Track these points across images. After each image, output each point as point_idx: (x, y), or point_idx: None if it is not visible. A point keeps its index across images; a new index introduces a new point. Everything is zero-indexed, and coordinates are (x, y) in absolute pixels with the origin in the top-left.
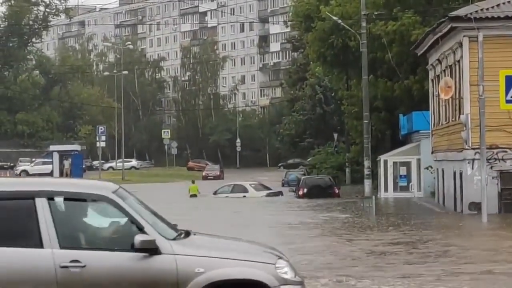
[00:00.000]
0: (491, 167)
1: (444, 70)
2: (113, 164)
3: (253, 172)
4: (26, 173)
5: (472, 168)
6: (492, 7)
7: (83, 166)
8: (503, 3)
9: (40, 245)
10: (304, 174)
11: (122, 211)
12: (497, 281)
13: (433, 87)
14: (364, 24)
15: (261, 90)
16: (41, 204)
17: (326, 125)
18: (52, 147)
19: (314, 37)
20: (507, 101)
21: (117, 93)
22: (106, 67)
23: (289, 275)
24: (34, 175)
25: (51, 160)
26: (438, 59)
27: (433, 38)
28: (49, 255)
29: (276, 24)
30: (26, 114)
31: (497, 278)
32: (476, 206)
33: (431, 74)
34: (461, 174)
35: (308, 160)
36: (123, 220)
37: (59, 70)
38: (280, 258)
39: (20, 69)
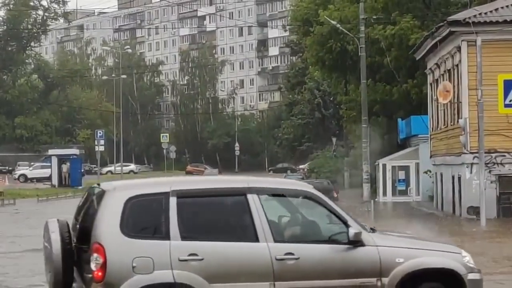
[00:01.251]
0: (490, 171)
1: (443, 74)
2: (111, 168)
3: (252, 176)
4: (24, 177)
5: (471, 172)
6: (491, 11)
7: (82, 170)
8: (502, 8)
9: (255, 239)
10: (302, 178)
11: (326, 206)
12: None
13: (431, 91)
14: (362, 28)
15: (259, 94)
16: (253, 200)
17: (324, 129)
18: (50, 151)
19: (312, 41)
20: (506, 105)
21: (115, 97)
22: (104, 71)
23: (471, 263)
24: (32, 179)
25: (49, 164)
26: (436, 63)
27: (432, 43)
28: (265, 249)
29: (274, 28)
30: (25, 118)
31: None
32: (474, 210)
33: (429, 78)
34: (459, 178)
35: (308, 163)
36: (325, 214)
37: (57, 74)
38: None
39: (19, 73)
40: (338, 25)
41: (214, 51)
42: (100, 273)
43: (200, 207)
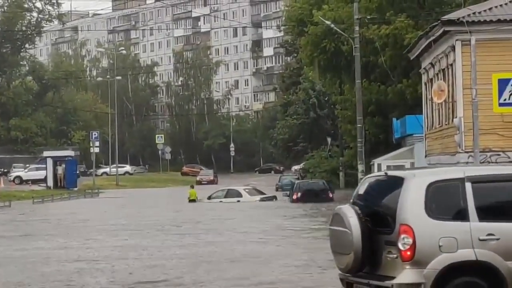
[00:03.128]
0: None
1: (437, 74)
2: (107, 169)
3: (247, 176)
4: (19, 179)
5: None
6: (485, 10)
7: (77, 172)
8: (495, 7)
9: None
10: (298, 179)
11: None
12: None
13: (426, 90)
14: (357, 28)
15: (254, 95)
16: None
17: (319, 129)
18: (45, 153)
19: (307, 42)
20: (500, 104)
21: (110, 98)
22: (99, 73)
23: None
24: (27, 181)
25: (44, 166)
26: (431, 63)
27: (426, 42)
28: None
29: (269, 28)
30: (20, 120)
31: None
32: None
33: (424, 78)
34: None
35: (303, 163)
36: None
37: (52, 75)
38: None
39: (14, 75)
40: (333, 25)
41: (208, 52)
42: (409, 253)
43: (491, 190)
